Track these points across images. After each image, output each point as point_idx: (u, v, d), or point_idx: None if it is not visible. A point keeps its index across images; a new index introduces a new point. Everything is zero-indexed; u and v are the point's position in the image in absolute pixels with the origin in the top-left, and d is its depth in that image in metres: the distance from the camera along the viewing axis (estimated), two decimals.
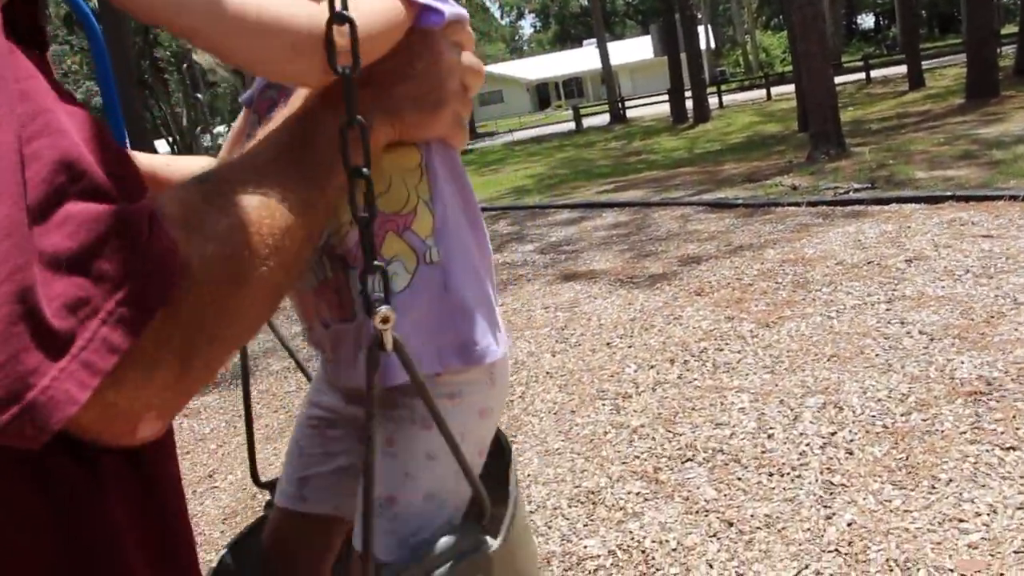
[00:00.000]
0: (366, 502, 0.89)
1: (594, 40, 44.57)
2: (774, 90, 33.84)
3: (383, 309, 0.83)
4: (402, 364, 0.87)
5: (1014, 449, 3.36)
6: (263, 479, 1.42)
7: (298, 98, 0.89)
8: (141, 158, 1.18)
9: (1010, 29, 24.56)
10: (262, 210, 0.72)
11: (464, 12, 1.00)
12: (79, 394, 0.54)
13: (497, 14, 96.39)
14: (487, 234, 1.12)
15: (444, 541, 1.01)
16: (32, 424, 0.52)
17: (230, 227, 0.69)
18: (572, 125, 36.47)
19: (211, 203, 0.70)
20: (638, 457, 4.01)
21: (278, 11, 0.79)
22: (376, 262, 0.83)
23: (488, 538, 1.02)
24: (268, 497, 1.45)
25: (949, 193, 8.10)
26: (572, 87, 71.07)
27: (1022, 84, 18.29)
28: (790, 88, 23.98)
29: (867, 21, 70.53)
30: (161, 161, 1.25)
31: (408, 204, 1.04)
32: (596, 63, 41.99)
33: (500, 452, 1.22)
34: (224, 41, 0.78)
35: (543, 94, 72.72)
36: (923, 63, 25.65)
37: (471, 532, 1.02)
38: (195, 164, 1.23)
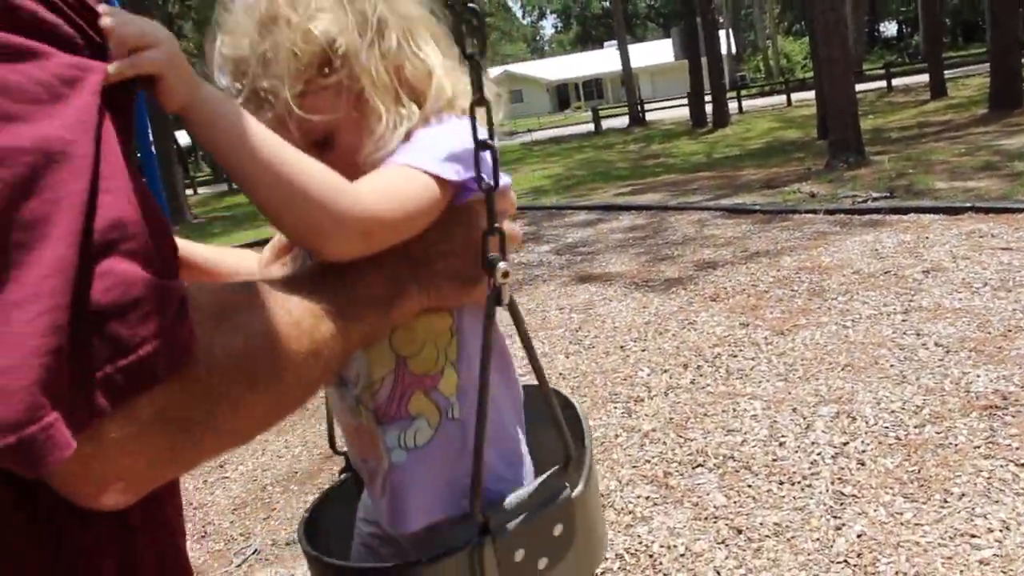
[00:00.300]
0: (477, 438, 0.99)
1: (615, 42, 44.51)
2: (794, 96, 33.72)
3: (503, 265, 0.95)
4: (513, 321, 1.01)
5: None
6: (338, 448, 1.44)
7: None
8: (193, 246, 1.27)
9: None
10: (293, 328, 0.78)
11: (506, 180, 1.07)
12: (71, 441, 0.57)
13: (519, 13, 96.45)
14: (515, 372, 1.19)
15: (532, 486, 1.09)
16: (27, 457, 0.55)
17: (260, 333, 0.75)
18: (591, 126, 36.43)
19: (249, 305, 0.77)
20: (648, 461, 4.00)
21: (322, 193, 0.88)
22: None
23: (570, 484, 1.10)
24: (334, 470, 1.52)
25: (969, 204, 8.04)
26: (592, 88, 71.01)
27: None
28: (810, 94, 23.91)
29: (890, 29, 70.20)
30: (213, 252, 1.31)
31: (436, 365, 1.11)
32: (616, 65, 41.94)
33: (568, 405, 1.27)
34: (271, 206, 0.88)
35: (563, 95, 72.69)
36: (946, 72, 25.48)
37: (556, 478, 1.10)
38: (244, 260, 1.30)
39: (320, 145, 1.07)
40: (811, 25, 18.78)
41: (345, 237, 0.90)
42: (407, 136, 1.09)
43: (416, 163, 1.00)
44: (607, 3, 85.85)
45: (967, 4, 57.90)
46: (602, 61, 67.53)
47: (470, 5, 0.93)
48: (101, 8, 0.71)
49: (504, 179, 1.04)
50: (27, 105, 0.59)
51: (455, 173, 1.00)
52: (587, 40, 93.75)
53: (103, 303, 0.59)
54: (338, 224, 0.89)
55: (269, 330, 0.75)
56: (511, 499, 1.07)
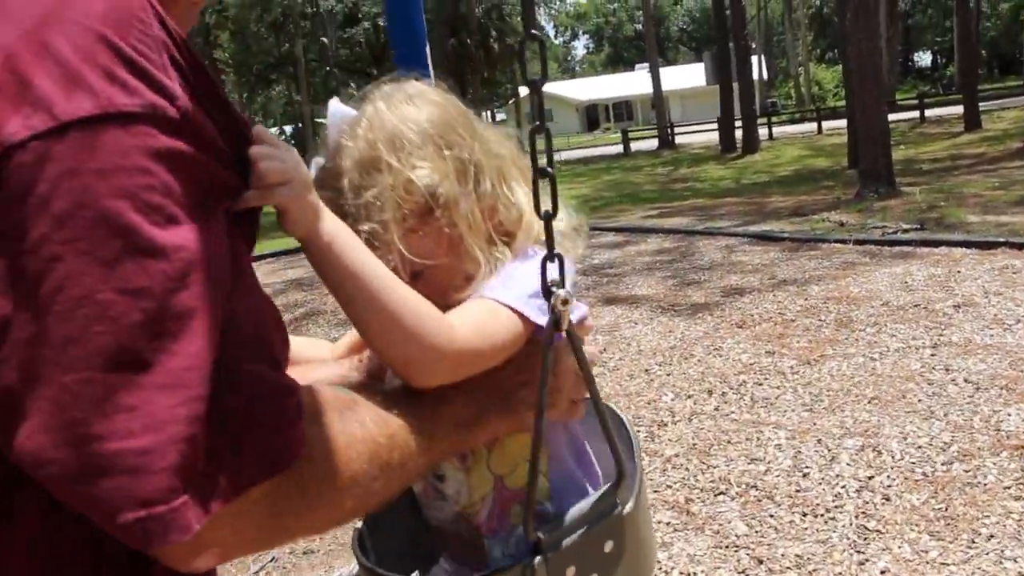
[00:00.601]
0: (533, 458, 1.02)
1: (646, 64, 44.60)
2: (825, 124, 33.57)
3: (562, 292, 0.99)
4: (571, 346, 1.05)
5: None
6: None
7: None
8: None
9: None
10: (386, 438, 0.86)
11: (584, 310, 1.16)
12: (194, 524, 0.62)
13: (551, 33, 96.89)
14: (591, 455, 1.24)
15: (584, 503, 1.12)
16: (148, 534, 0.61)
17: (358, 439, 0.82)
18: (620, 148, 36.44)
19: (350, 411, 0.84)
20: (670, 487, 3.98)
21: (421, 329, 0.95)
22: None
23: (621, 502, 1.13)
24: None
25: (1002, 239, 7.96)
26: (622, 110, 71.11)
27: None
28: (841, 123, 23.79)
29: (924, 59, 69.96)
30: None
31: None
32: (647, 87, 41.98)
33: (619, 422, 1.29)
34: (372, 333, 0.96)
35: (592, 115, 72.81)
36: (980, 104, 25.31)
37: (608, 496, 1.12)
38: (315, 347, 1.36)
39: (411, 276, 1.12)
40: (845, 54, 18.74)
41: (435, 371, 0.97)
42: None
43: (504, 299, 1.06)
44: (639, 25, 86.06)
45: (1004, 36, 57.59)
46: (632, 83, 67.61)
47: (533, 32, 0.98)
48: (255, 131, 0.83)
49: (581, 309, 1.13)
50: (185, 209, 0.64)
51: (539, 311, 1.05)
52: (618, 61, 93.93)
53: (234, 399, 0.66)
54: (431, 359, 0.96)
55: (365, 437, 0.83)
56: (566, 520, 1.09)
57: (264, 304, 0.74)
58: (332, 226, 0.93)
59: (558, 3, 60.01)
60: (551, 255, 1.01)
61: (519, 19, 48.18)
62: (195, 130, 0.67)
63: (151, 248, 0.61)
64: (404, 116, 1.12)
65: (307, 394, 0.77)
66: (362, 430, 0.83)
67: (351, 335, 1.31)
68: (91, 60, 0.61)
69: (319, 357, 1.33)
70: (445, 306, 1.03)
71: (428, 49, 2.74)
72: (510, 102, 55.03)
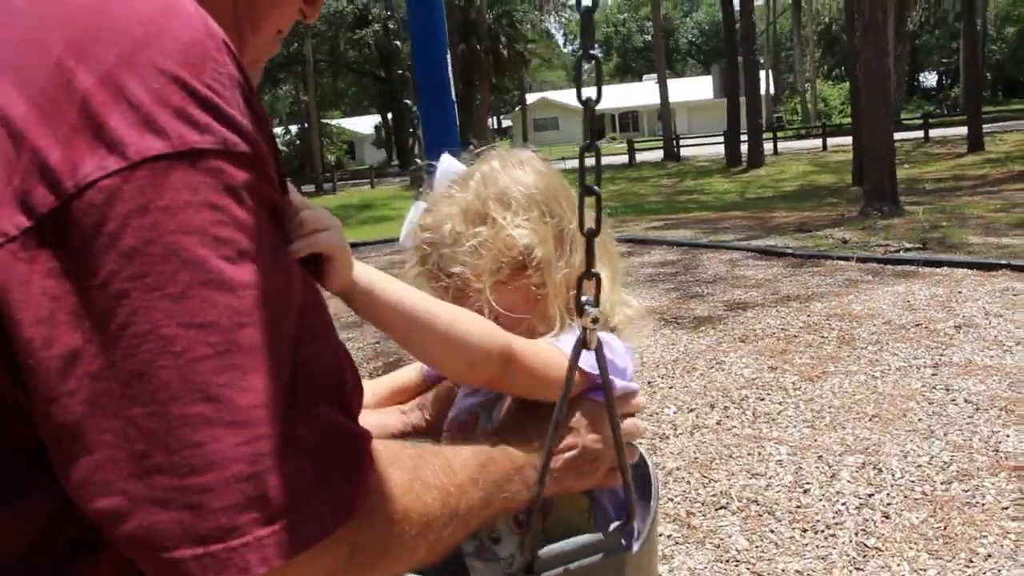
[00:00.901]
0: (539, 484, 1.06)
1: (654, 75, 44.69)
2: (830, 140, 33.66)
3: (593, 311, 1.02)
4: (599, 370, 1.07)
5: None
6: None
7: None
8: None
9: None
10: (452, 487, 0.87)
11: (634, 386, 1.21)
12: (256, 568, 0.61)
13: (560, 41, 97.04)
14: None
15: (591, 537, 1.14)
16: (200, 570, 0.59)
17: (429, 486, 0.83)
18: (625, 158, 36.52)
19: (420, 459, 0.85)
20: (671, 500, 4.02)
21: (462, 332, 1.03)
22: None
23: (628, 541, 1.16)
24: None
25: (1004, 261, 8.01)
26: (628, 120, 71.19)
27: None
28: (846, 140, 23.89)
29: (930, 79, 70.10)
30: None
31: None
32: (654, 98, 42.10)
33: (638, 464, 1.33)
34: (416, 344, 1.04)
35: (598, 125, 72.82)
36: (984, 126, 25.40)
37: (616, 534, 1.15)
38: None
39: None
40: (852, 72, 18.82)
41: (480, 374, 1.06)
42: None
43: (561, 345, 1.14)
44: (648, 36, 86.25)
45: (1010, 59, 57.71)
46: (640, 94, 67.73)
47: (591, 52, 1.02)
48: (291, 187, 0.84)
49: (630, 386, 1.18)
50: (256, 244, 0.64)
51: (589, 367, 1.10)
52: (626, 72, 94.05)
53: (306, 442, 0.64)
54: (492, 354, 1.04)
55: (438, 484, 0.84)
56: (567, 547, 1.11)
57: (340, 348, 0.73)
58: (367, 269, 1.00)
59: (568, 12, 60.08)
60: (589, 273, 1.04)
61: (530, 26, 48.29)
62: (264, 166, 0.67)
63: (220, 282, 0.61)
64: (516, 178, 1.20)
65: (381, 443, 0.76)
66: (434, 477, 0.84)
67: (390, 380, 1.40)
68: (164, 101, 0.62)
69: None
70: None
71: (449, 56, 2.77)
72: (516, 108, 55.04)
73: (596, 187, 1.03)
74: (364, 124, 67.12)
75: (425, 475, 0.83)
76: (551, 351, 1.13)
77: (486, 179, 1.23)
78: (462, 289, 1.20)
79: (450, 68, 2.76)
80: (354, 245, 14.62)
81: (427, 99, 2.75)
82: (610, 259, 1.30)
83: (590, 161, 1.03)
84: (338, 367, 0.70)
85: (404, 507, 0.77)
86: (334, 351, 0.71)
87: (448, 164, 1.32)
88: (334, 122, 61.26)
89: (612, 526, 1.16)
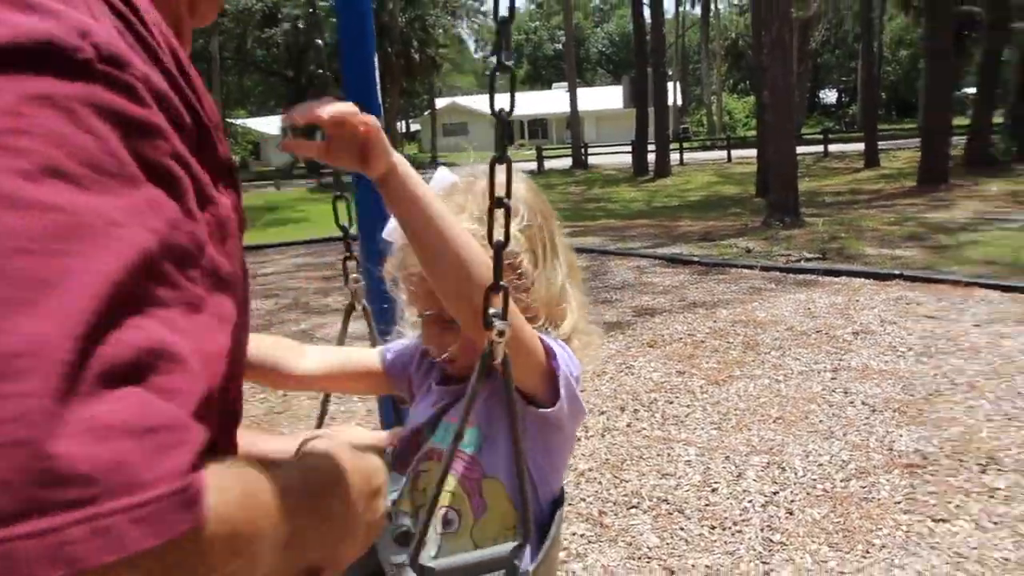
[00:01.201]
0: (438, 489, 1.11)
1: (564, 84, 45.13)
2: (734, 152, 34.50)
3: (500, 324, 1.06)
4: (503, 379, 1.12)
5: (944, 521, 3.54)
6: None
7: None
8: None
9: (963, 121, 25.49)
10: (285, 510, 0.64)
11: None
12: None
13: (472, 47, 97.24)
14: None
15: (492, 551, 1.17)
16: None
17: (258, 498, 0.62)
18: (534, 165, 36.77)
19: (253, 471, 0.63)
20: (584, 500, 4.10)
21: (476, 251, 1.11)
22: None
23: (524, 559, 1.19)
24: None
25: (897, 272, 8.41)
26: (537, 128, 71.65)
27: (970, 175, 18.95)
28: (750, 152, 24.52)
29: (829, 96, 72.53)
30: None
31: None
32: (563, 107, 42.49)
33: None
34: (433, 239, 1.10)
35: (508, 131, 72.92)
36: (879, 143, 26.42)
37: (516, 551, 1.18)
38: (279, 350, 1.43)
39: (444, 323, 1.29)
40: (758, 87, 19.37)
41: (486, 281, 1.09)
42: None
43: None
44: (559, 45, 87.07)
45: (903, 82, 60.13)
46: (549, 102, 68.24)
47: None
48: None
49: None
50: (80, 171, 0.51)
51: (561, 356, 1.23)
52: (536, 79, 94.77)
53: (99, 423, 0.46)
54: (487, 275, 1.08)
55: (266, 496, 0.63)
56: (458, 561, 1.15)
57: (207, 337, 0.57)
58: (404, 162, 1.10)
59: (481, 18, 60.25)
60: (496, 286, 1.07)
61: (442, 31, 48.23)
62: (129, 89, 0.55)
63: (10, 199, 0.47)
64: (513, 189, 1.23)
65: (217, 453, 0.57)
66: (262, 503, 0.61)
67: (347, 354, 1.47)
68: None
69: (283, 360, 1.42)
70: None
71: (376, 58, 2.78)
72: (426, 113, 54.84)
73: (507, 199, 1.08)
74: (270, 124, 66.06)
75: (255, 486, 0.62)
76: (527, 325, 1.20)
77: (483, 183, 1.26)
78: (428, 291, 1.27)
79: (377, 70, 2.77)
80: (259, 247, 14.44)
81: (353, 100, 2.75)
82: (576, 285, 1.38)
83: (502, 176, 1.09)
84: (174, 352, 0.51)
85: (237, 519, 0.56)
86: (184, 335, 0.53)
87: (443, 174, 1.37)
88: (239, 121, 60.04)
89: (510, 545, 1.18)
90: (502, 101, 1.07)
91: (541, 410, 1.24)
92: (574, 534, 3.75)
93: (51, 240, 0.47)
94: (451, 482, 1.24)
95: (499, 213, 1.09)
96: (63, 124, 0.51)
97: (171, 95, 0.60)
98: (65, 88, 0.51)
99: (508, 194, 1.09)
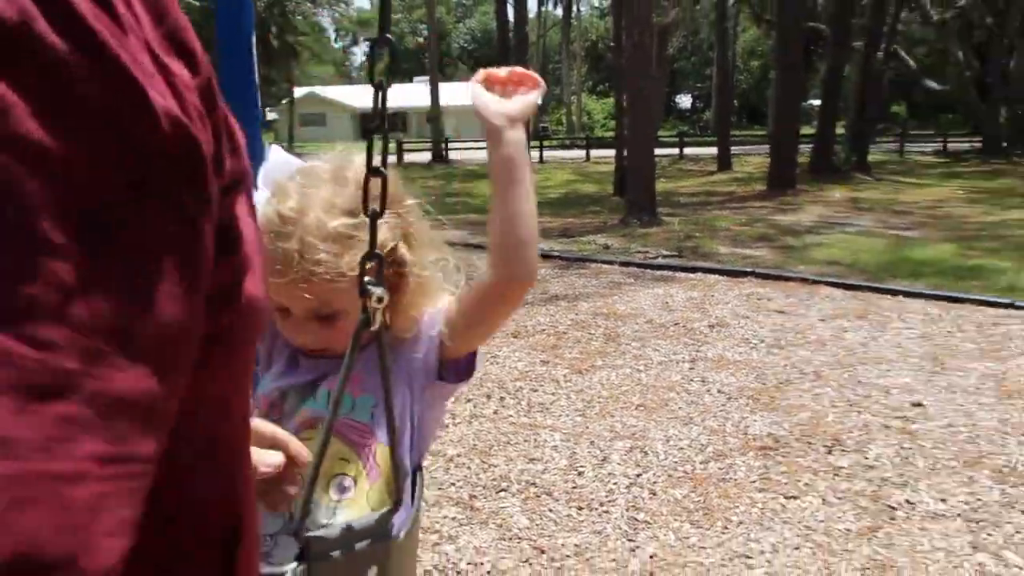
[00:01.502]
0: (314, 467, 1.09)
1: (424, 77, 44.99)
2: (593, 152, 35.20)
3: (376, 290, 1.07)
4: (378, 350, 1.17)
5: (795, 498, 3.76)
6: None
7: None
8: None
9: (809, 130, 26.89)
10: None
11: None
12: None
13: (332, 36, 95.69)
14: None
15: (366, 517, 1.22)
16: None
17: None
18: (393, 159, 36.45)
19: None
20: (453, 484, 4.15)
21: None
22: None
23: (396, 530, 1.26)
24: None
25: (749, 269, 8.83)
26: (396, 121, 71.16)
27: (815, 180, 20.02)
28: (608, 152, 25.08)
29: (685, 101, 75.01)
30: None
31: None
32: (424, 100, 42.32)
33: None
34: (518, 193, 1.31)
35: (368, 123, 72.21)
36: (732, 148, 27.52)
37: (384, 519, 1.23)
38: None
39: (323, 319, 1.30)
40: (618, 90, 19.87)
41: (534, 256, 1.35)
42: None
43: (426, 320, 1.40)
44: (421, 39, 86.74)
45: (754, 90, 62.80)
46: (409, 95, 67.95)
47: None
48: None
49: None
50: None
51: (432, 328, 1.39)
52: (396, 72, 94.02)
53: None
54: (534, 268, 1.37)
55: None
56: (336, 532, 1.19)
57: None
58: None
59: (343, 6, 59.37)
60: (371, 254, 1.11)
61: (302, 17, 47.28)
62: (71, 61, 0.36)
63: None
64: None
65: None
66: None
67: None
68: None
69: None
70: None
71: (254, 39, 2.75)
72: (283, 102, 53.64)
73: (383, 169, 1.11)
74: None
75: None
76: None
77: (354, 174, 1.29)
78: (302, 278, 1.24)
79: (255, 58, 2.72)
80: None
81: (230, 92, 2.72)
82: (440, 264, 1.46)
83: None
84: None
85: None
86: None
87: (281, 155, 1.38)
88: None
89: (379, 513, 1.24)
90: (358, 93, 1.09)
91: (456, 384, 1.31)
92: (445, 517, 3.79)
93: None
94: (345, 450, 1.26)
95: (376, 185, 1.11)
96: None
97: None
98: None
99: (384, 163, 1.12)
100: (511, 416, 5.01)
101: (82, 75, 0.36)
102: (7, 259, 0.34)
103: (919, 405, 4.91)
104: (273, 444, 0.96)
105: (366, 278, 1.09)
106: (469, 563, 3.40)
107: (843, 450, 4.30)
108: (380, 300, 1.09)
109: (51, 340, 0.34)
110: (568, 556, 3.39)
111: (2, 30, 0.34)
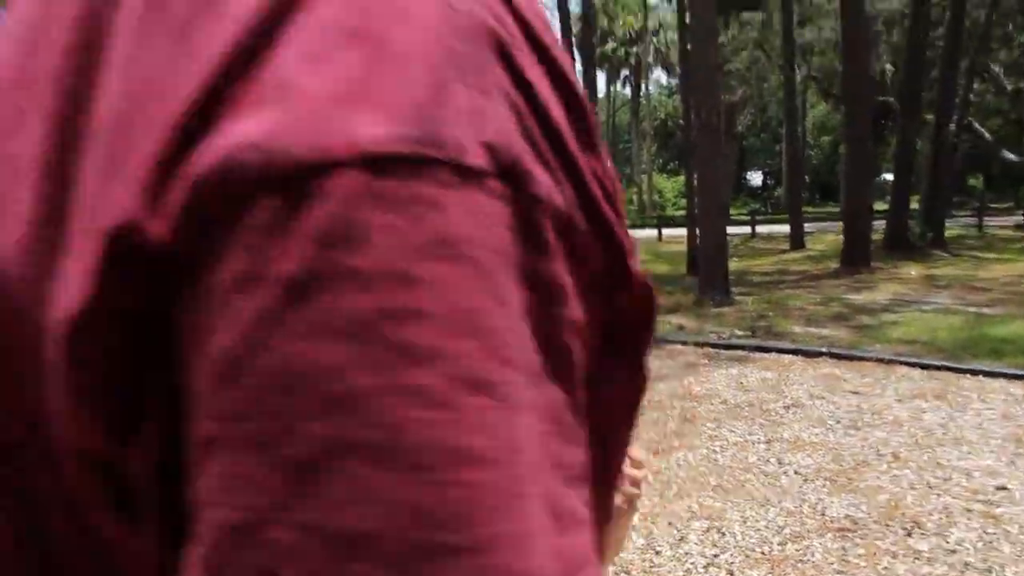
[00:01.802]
0: None
1: None
2: (665, 231, 35.35)
3: None
4: None
5: None
6: None
7: None
8: None
9: (883, 206, 26.66)
10: None
11: None
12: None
13: None
14: None
15: None
16: None
17: None
18: None
19: None
20: None
21: None
22: None
23: None
24: None
25: (824, 349, 8.83)
26: None
27: (890, 258, 19.81)
28: (680, 231, 25.18)
29: (755, 178, 74.91)
30: None
31: None
32: None
33: None
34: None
35: None
36: (805, 225, 27.40)
37: None
38: None
39: None
40: (687, 168, 20.10)
41: None
42: None
43: None
44: None
45: (824, 166, 62.49)
46: None
47: None
48: None
49: None
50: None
51: None
52: None
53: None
54: None
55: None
56: None
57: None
58: None
59: None
60: None
61: None
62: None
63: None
64: None
65: None
66: None
67: None
68: None
69: None
70: None
71: None
72: None
73: None
74: None
75: None
76: None
77: None
78: None
79: None
80: None
81: None
82: None
83: None
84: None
85: None
86: None
87: None
88: None
89: None
90: None
91: None
92: None
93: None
94: None
95: None
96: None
97: (576, 216, 0.38)
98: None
99: None
100: None
101: (596, 254, 0.39)
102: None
103: (1003, 488, 4.88)
104: None
105: None
106: None
107: (923, 533, 4.31)
108: None
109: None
110: None
111: (559, 222, 0.36)
